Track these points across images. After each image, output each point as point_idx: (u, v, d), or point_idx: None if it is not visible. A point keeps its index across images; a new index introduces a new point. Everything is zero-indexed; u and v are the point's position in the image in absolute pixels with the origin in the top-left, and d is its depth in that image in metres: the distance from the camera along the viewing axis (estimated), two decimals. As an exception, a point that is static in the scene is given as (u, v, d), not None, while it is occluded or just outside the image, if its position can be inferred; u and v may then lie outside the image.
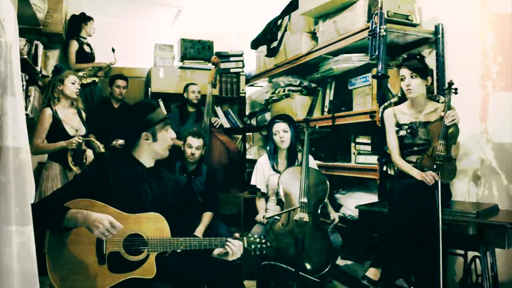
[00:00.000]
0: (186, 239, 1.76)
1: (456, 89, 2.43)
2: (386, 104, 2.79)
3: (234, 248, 1.79)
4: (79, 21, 4.32)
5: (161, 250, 1.72)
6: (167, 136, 1.88)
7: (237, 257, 1.81)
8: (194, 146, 3.04)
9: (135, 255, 1.68)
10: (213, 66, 3.90)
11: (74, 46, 4.23)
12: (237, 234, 1.86)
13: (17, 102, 1.39)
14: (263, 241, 1.88)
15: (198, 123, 3.86)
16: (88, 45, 4.34)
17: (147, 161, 1.88)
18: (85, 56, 4.24)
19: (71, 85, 3.05)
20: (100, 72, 4.16)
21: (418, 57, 2.60)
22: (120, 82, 4.00)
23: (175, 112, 4.06)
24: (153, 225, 1.73)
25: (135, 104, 2.05)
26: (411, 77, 2.46)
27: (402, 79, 2.52)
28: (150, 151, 1.86)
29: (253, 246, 1.86)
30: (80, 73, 4.00)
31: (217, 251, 1.83)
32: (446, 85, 2.46)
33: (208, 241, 1.79)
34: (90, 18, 4.34)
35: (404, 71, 2.49)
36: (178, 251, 1.77)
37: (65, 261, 1.61)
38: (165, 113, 1.98)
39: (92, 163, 1.88)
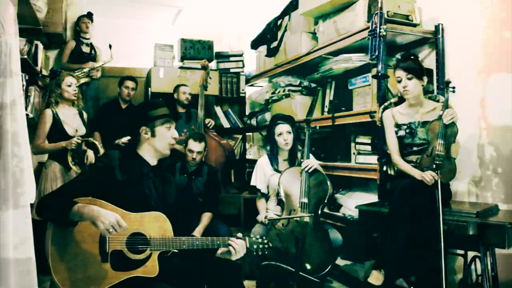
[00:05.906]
0: (188, 238, 1.76)
1: (454, 87, 2.43)
2: (386, 104, 2.79)
3: (237, 246, 1.78)
4: (78, 21, 4.33)
5: (163, 249, 1.72)
6: (167, 134, 1.88)
7: (240, 256, 1.80)
8: (195, 151, 3.04)
9: (138, 254, 1.69)
10: (203, 70, 3.93)
11: (70, 45, 4.23)
12: (239, 234, 1.85)
13: (17, 102, 1.39)
14: (265, 241, 1.88)
15: (188, 124, 3.85)
16: (89, 45, 4.33)
17: (151, 159, 1.89)
18: (81, 56, 4.22)
19: (68, 87, 3.05)
20: (93, 72, 4.14)
21: (412, 57, 2.59)
22: (129, 83, 4.00)
23: None
24: (156, 224, 1.74)
25: (141, 102, 2.06)
26: (407, 78, 2.46)
27: (398, 81, 2.52)
28: (151, 147, 1.87)
29: (255, 246, 1.86)
30: (77, 73, 3.99)
31: (220, 250, 1.83)
32: (444, 84, 2.47)
33: (211, 240, 1.79)
34: (84, 16, 4.33)
35: (400, 73, 2.48)
36: (176, 250, 1.77)
37: (67, 259, 1.62)
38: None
39: (100, 160, 1.89)
